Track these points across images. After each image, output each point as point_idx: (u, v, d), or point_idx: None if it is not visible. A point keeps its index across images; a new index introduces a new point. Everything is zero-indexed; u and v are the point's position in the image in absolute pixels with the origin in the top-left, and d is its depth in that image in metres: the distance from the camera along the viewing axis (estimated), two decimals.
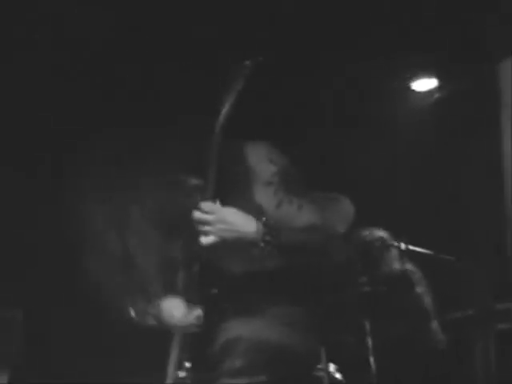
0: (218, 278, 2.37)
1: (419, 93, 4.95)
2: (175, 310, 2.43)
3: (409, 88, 4.93)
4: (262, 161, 2.41)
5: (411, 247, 4.03)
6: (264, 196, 2.37)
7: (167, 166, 2.47)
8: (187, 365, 2.37)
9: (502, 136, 4.35)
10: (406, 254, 4.09)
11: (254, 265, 2.34)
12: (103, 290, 2.62)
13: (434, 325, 4.08)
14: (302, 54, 4.21)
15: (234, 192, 2.36)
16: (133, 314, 2.57)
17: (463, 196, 4.62)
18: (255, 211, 2.33)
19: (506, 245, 4.45)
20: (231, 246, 2.27)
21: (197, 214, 2.24)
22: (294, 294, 2.43)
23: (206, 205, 2.24)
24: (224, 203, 2.28)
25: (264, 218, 2.25)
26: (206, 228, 2.23)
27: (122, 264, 2.65)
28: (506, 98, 4.33)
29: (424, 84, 4.93)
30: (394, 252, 4.11)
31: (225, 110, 2.28)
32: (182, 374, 2.38)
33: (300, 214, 2.35)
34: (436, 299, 4.14)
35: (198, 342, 2.38)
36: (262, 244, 2.24)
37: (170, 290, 2.52)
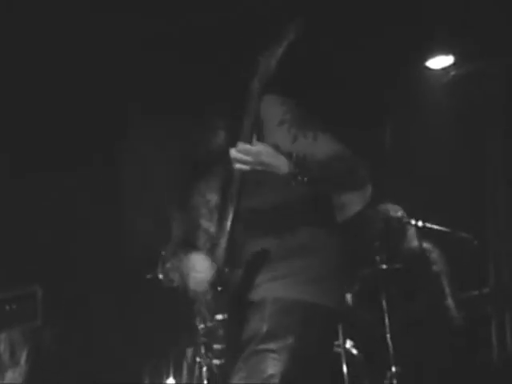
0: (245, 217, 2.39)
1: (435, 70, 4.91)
2: (199, 264, 2.46)
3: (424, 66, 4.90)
4: (272, 105, 2.44)
5: (428, 225, 4.03)
6: (279, 135, 2.40)
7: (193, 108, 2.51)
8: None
9: None
10: (423, 232, 4.10)
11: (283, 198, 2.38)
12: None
13: (449, 303, 4.09)
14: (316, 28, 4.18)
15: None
16: (160, 274, 2.60)
17: (481, 174, 4.59)
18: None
19: None
20: (264, 179, 2.32)
21: (234, 153, 2.27)
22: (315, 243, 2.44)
23: (243, 146, 2.26)
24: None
25: (294, 155, 2.29)
26: (243, 167, 2.27)
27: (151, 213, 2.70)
28: None
29: (440, 61, 4.90)
30: (412, 230, 4.11)
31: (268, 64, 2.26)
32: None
33: (317, 144, 2.37)
34: (453, 277, 4.15)
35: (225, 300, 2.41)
36: (293, 179, 2.27)
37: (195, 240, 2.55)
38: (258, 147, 2.26)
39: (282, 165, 2.27)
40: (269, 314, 2.34)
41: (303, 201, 2.42)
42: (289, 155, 2.29)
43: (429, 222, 4.06)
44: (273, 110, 2.43)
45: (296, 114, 2.43)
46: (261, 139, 2.37)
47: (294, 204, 2.41)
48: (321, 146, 2.37)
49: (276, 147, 2.35)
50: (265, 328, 2.32)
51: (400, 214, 4.04)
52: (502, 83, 4.39)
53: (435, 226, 4.07)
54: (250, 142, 2.27)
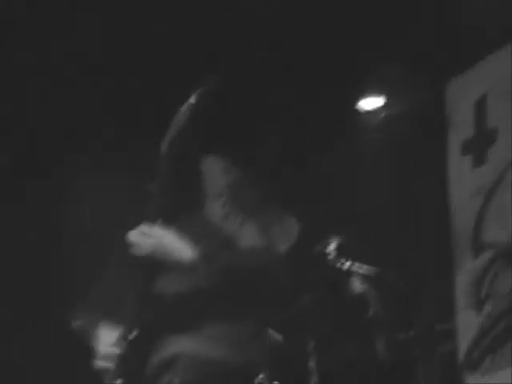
0: (154, 300, 2.32)
1: (366, 112, 4.94)
2: (105, 336, 2.36)
3: (355, 107, 4.92)
4: (215, 172, 2.41)
5: (359, 265, 3.99)
6: (213, 208, 2.37)
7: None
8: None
9: (448, 154, 4.36)
10: (357, 273, 4.05)
11: (190, 285, 2.31)
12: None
13: (380, 345, 4.06)
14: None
15: (186, 203, 2.34)
16: (76, 327, 2.49)
17: (409, 212, 4.63)
18: (204, 224, 2.33)
19: (447, 265, 4.47)
20: (167, 267, 2.24)
21: (133, 236, 2.19)
22: (233, 312, 2.39)
23: (145, 228, 2.19)
24: (175, 217, 2.25)
25: (205, 245, 2.23)
26: (143, 250, 2.19)
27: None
28: (454, 117, 4.36)
29: (371, 103, 4.92)
30: (347, 270, 4.06)
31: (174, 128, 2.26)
32: None
33: (241, 232, 2.35)
34: (384, 320, 4.13)
35: (134, 357, 2.30)
36: (198, 271, 2.22)
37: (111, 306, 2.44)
38: (160, 231, 2.18)
39: (184, 252, 2.21)
40: (182, 367, 2.29)
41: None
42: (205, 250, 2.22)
43: (357, 260, 4.03)
44: (215, 176, 2.40)
45: (234, 190, 2.39)
46: (200, 202, 2.36)
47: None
48: (244, 235, 2.35)
49: (207, 219, 2.34)
50: (177, 381, 2.27)
51: (334, 252, 4.00)
52: (430, 124, 4.47)
53: (363, 266, 4.04)
54: (154, 222, 2.20)
